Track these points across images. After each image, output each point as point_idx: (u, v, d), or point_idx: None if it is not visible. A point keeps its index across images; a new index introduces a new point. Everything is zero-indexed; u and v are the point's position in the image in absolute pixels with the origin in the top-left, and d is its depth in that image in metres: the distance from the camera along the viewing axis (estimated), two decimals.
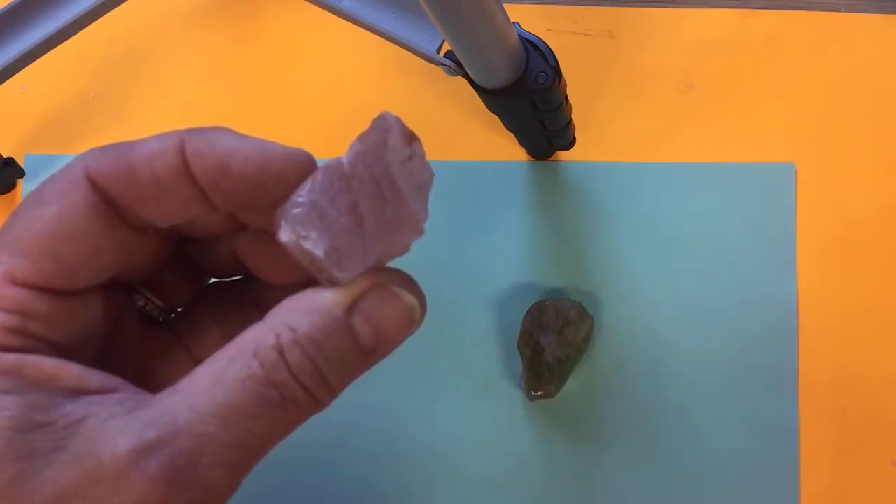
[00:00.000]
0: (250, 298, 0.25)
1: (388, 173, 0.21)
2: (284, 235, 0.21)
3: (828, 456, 0.40)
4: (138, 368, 0.24)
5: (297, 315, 0.20)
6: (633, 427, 0.40)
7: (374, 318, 0.21)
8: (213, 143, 0.21)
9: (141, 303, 0.25)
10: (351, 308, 0.21)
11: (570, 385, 0.40)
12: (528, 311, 0.40)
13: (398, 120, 0.21)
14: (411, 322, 0.22)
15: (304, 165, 0.21)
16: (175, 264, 0.25)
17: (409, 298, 0.22)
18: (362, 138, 0.21)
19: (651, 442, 0.40)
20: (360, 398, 0.41)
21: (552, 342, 0.39)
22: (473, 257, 0.42)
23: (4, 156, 0.41)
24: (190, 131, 0.21)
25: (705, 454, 0.40)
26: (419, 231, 0.22)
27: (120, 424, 0.19)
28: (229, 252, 0.25)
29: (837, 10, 0.45)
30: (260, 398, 0.19)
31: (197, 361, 0.24)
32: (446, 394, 0.41)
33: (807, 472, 0.39)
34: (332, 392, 0.21)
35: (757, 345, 0.41)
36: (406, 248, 0.22)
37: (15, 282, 0.20)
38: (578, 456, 0.40)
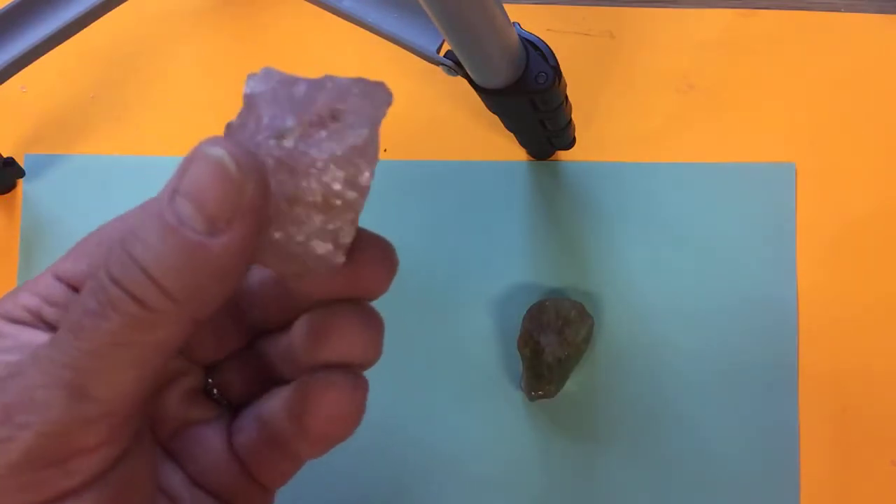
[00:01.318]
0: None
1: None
2: (280, 237, 0.20)
3: (828, 456, 0.40)
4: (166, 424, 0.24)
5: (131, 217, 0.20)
6: (633, 427, 0.40)
7: (189, 188, 0.18)
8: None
9: (208, 386, 0.25)
10: (174, 191, 0.18)
11: (570, 385, 0.40)
12: (528, 311, 0.40)
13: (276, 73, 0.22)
14: (226, 178, 0.18)
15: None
16: (246, 362, 0.25)
17: (214, 151, 0.18)
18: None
19: (651, 442, 0.40)
20: None
21: (552, 342, 0.39)
22: (473, 257, 0.42)
23: (4, 156, 0.41)
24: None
25: (705, 454, 0.40)
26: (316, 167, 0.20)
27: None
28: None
29: (837, 10, 0.45)
30: (83, 309, 0.18)
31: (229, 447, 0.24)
32: (446, 394, 0.41)
33: (807, 471, 0.39)
34: (170, 294, 0.18)
35: (757, 344, 0.41)
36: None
37: (57, 276, 0.22)
38: (578, 456, 0.40)
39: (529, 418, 0.40)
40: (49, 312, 0.21)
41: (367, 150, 0.20)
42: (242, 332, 0.25)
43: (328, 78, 0.21)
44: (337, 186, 0.19)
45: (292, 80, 0.21)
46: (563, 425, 0.40)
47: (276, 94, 0.21)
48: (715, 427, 0.40)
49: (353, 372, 0.22)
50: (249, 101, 0.21)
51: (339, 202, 0.20)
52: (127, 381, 0.18)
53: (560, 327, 0.39)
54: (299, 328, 0.23)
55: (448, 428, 0.40)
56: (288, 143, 0.20)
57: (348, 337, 0.22)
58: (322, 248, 0.20)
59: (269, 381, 0.24)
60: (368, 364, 0.23)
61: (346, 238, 0.20)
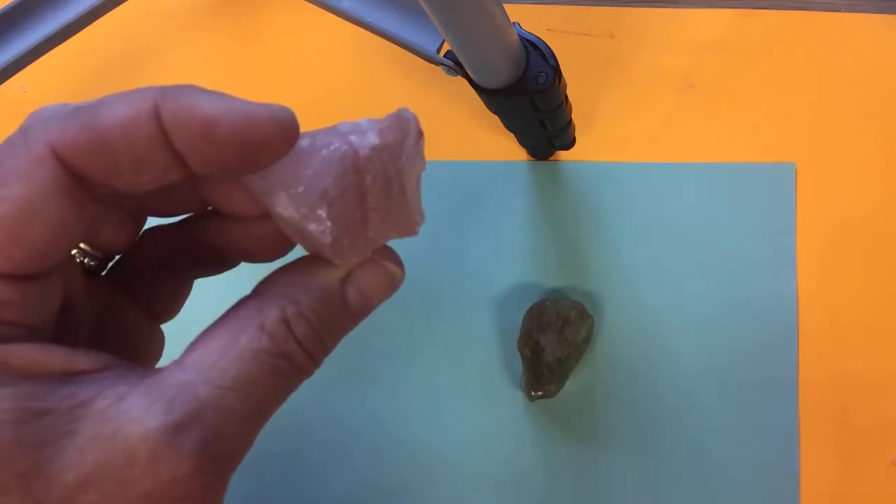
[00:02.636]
0: (201, 236, 0.24)
1: (399, 174, 0.22)
2: (285, 209, 0.21)
3: (828, 456, 0.40)
4: (93, 329, 0.24)
5: (299, 290, 0.22)
6: (633, 427, 0.40)
7: (365, 288, 0.23)
8: (191, 108, 0.19)
9: (79, 258, 0.24)
10: (346, 280, 0.23)
11: (570, 385, 0.40)
12: (528, 311, 0.40)
13: (416, 119, 0.22)
14: (394, 288, 0.24)
15: (289, 128, 0.20)
16: (112, 209, 0.23)
17: (393, 268, 0.24)
18: (382, 133, 0.21)
19: (651, 441, 0.40)
20: (360, 398, 0.41)
21: (552, 342, 0.39)
22: (473, 257, 0.42)
23: None
24: (162, 92, 0.19)
25: (705, 453, 0.40)
26: (414, 232, 0.24)
27: (139, 404, 0.19)
28: (187, 194, 0.24)
29: (837, 10, 0.45)
30: (273, 368, 0.21)
31: (150, 312, 0.25)
32: (446, 393, 0.41)
33: (807, 472, 0.39)
34: (328, 352, 0.23)
35: (757, 344, 0.41)
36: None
37: None
38: (578, 455, 0.40)
39: (529, 418, 0.40)
40: (12, 315, 0.20)
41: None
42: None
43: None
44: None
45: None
46: (563, 425, 0.40)
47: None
48: (715, 427, 0.40)
49: None
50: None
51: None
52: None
53: (560, 327, 0.39)
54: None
55: (448, 428, 0.40)
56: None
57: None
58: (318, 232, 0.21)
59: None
60: None
61: (346, 250, 0.22)
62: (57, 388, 0.19)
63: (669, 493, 0.39)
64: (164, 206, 0.24)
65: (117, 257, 0.25)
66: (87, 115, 0.19)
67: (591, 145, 0.43)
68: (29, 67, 0.37)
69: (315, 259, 0.23)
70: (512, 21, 0.31)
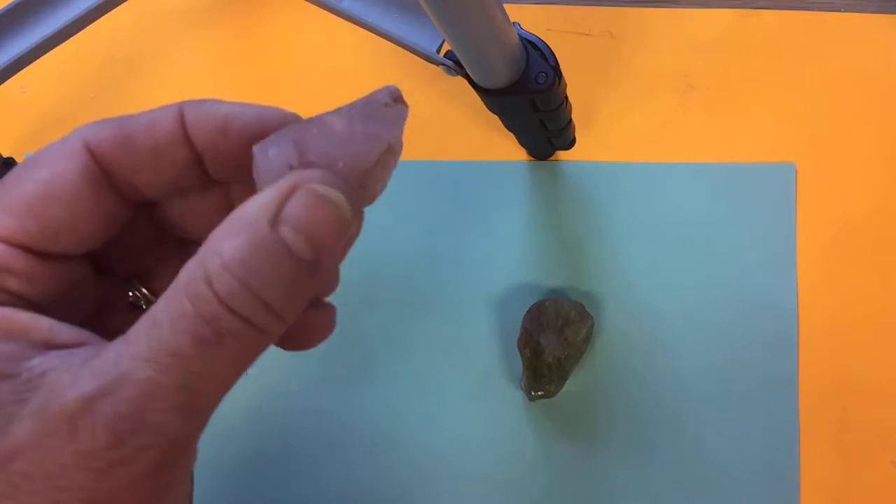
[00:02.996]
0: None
1: (359, 107, 0.21)
2: (255, 149, 0.21)
3: (828, 456, 0.40)
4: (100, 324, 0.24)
5: (223, 238, 0.19)
6: (633, 426, 0.40)
7: (303, 223, 0.19)
8: (211, 109, 0.21)
9: (131, 295, 0.25)
10: (276, 218, 0.19)
11: (570, 385, 0.40)
12: (528, 311, 0.40)
13: (395, 87, 0.22)
14: (342, 219, 0.20)
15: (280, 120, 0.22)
16: (145, 230, 0.25)
17: (332, 193, 0.20)
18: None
19: (651, 442, 0.40)
20: (360, 398, 0.41)
21: (552, 342, 0.38)
22: (473, 257, 0.42)
23: (4, 156, 0.41)
24: (188, 101, 0.22)
25: (705, 453, 0.40)
26: (337, 139, 0.21)
27: (72, 376, 0.19)
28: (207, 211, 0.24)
29: (837, 10, 0.45)
30: (193, 337, 0.18)
31: None
32: (446, 394, 0.41)
33: (807, 472, 0.39)
34: (280, 316, 0.19)
35: (757, 344, 0.41)
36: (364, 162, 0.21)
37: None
38: (578, 456, 0.40)
39: (529, 418, 0.40)
40: (14, 284, 0.21)
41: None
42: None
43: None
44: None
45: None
46: (563, 425, 0.40)
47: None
48: (715, 427, 0.40)
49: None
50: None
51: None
52: (230, 386, 0.20)
53: (560, 327, 0.39)
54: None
55: (448, 428, 0.40)
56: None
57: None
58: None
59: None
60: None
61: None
62: (32, 356, 0.19)
63: (669, 492, 0.39)
64: (187, 226, 0.25)
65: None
66: (122, 119, 0.22)
67: (591, 145, 0.43)
68: (29, 67, 0.37)
69: (245, 204, 0.19)
70: (512, 21, 0.31)
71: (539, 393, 0.39)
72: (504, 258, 0.42)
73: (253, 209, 0.19)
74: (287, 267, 0.19)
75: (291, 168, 0.20)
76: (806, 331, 0.41)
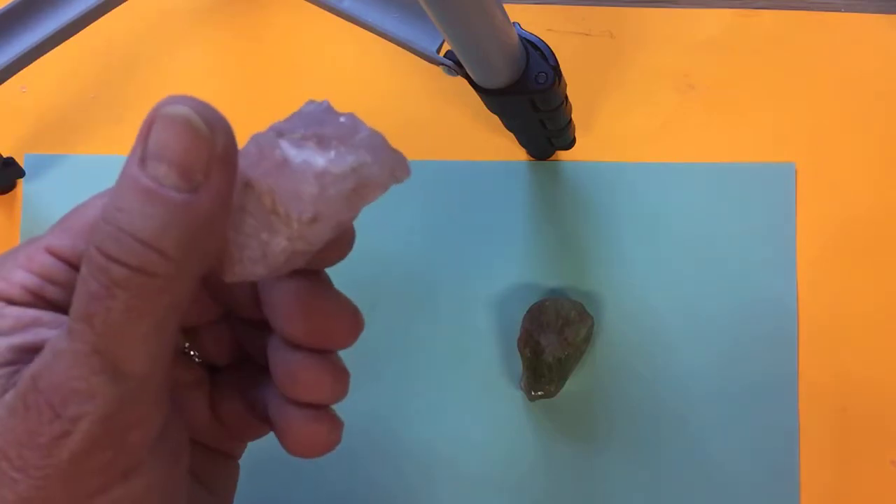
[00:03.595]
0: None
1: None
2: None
3: (828, 456, 0.40)
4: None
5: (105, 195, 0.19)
6: (633, 427, 0.40)
7: (161, 152, 0.18)
8: None
9: (184, 346, 0.26)
10: (144, 157, 0.18)
11: (570, 385, 0.40)
12: (528, 311, 0.40)
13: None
14: (195, 132, 0.19)
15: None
16: (223, 324, 0.26)
17: (177, 110, 0.19)
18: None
19: (651, 442, 0.40)
20: (359, 398, 0.41)
21: (552, 342, 0.38)
22: (473, 257, 0.42)
23: (4, 156, 0.41)
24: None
25: (705, 453, 0.40)
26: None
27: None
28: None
29: (837, 10, 0.45)
30: (88, 296, 0.18)
31: (212, 411, 0.26)
32: (446, 393, 0.41)
33: (807, 472, 0.39)
34: (165, 253, 0.18)
35: (757, 344, 0.41)
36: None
37: (49, 250, 0.22)
38: (578, 456, 0.40)
39: (529, 418, 0.40)
40: (52, 292, 0.22)
41: (327, 194, 0.19)
42: (218, 304, 0.26)
43: (359, 123, 0.21)
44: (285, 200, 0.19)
45: (330, 111, 0.21)
46: (563, 425, 0.40)
47: (310, 114, 0.21)
48: (714, 426, 0.40)
49: (325, 412, 0.24)
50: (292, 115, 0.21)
51: (280, 215, 0.20)
52: (153, 348, 0.19)
53: (560, 327, 0.39)
54: (272, 360, 0.24)
55: (448, 428, 0.40)
56: (281, 139, 0.20)
57: (315, 387, 0.24)
58: (252, 250, 0.20)
59: (244, 351, 0.26)
60: (337, 401, 0.24)
61: (275, 257, 0.20)
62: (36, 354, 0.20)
63: (669, 492, 0.39)
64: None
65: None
66: None
67: (591, 145, 0.43)
68: (29, 67, 0.37)
69: None
70: (512, 21, 0.31)
71: (539, 393, 0.39)
72: (504, 258, 0.42)
73: (129, 158, 0.19)
74: (158, 199, 0.18)
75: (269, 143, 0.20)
76: (806, 330, 0.41)
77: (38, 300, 0.21)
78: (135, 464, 0.20)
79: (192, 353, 0.26)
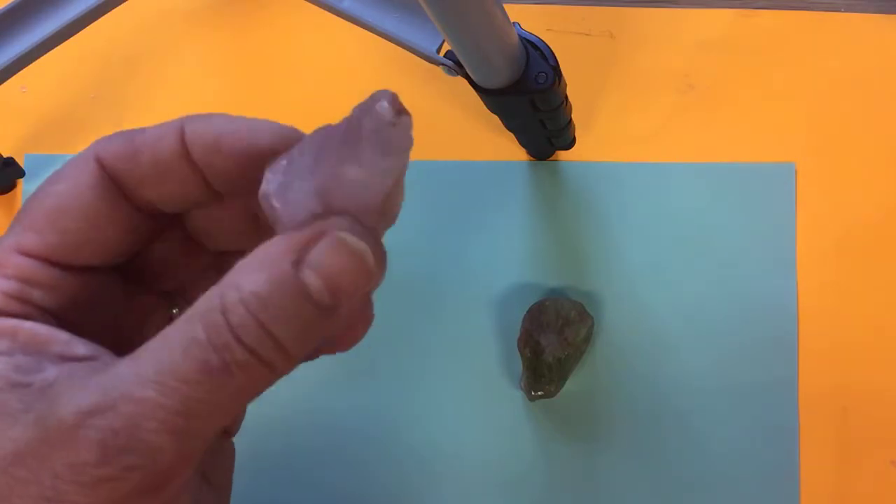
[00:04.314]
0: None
1: (359, 124, 0.20)
2: (261, 187, 0.21)
3: (828, 456, 0.40)
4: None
5: (245, 272, 0.19)
6: (633, 427, 0.40)
7: (324, 268, 0.19)
8: (205, 126, 0.22)
9: (176, 312, 0.26)
10: (299, 261, 0.19)
11: (570, 385, 0.40)
12: (528, 311, 0.40)
13: (391, 92, 0.21)
14: (365, 269, 0.20)
15: (293, 139, 0.22)
16: (178, 244, 0.25)
17: (358, 244, 0.20)
18: (357, 106, 0.21)
19: (651, 442, 0.40)
20: (360, 398, 0.41)
21: (552, 342, 0.39)
22: (473, 257, 0.42)
23: (4, 156, 0.41)
24: (190, 116, 0.22)
25: (705, 454, 0.40)
26: (359, 180, 0.20)
27: (75, 389, 0.19)
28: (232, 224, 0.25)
29: (837, 10, 0.45)
30: (200, 363, 0.19)
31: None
32: (446, 393, 0.41)
33: (807, 472, 0.39)
34: (289, 354, 0.19)
35: (757, 344, 0.41)
36: (371, 201, 0.21)
37: (21, 251, 0.21)
38: (578, 456, 0.40)
39: (529, 418, 0.40)
40: (38, 296, 0.21)
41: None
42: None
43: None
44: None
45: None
46: (563, 425, 0.40)
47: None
48: (715, 427, 0.40)
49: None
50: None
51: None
52: (228, 419, 0.20)
53: (560, 327, 0.39)
54: None
55: (448, 428, 0.40)
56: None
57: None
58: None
59: None
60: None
61: None
62: (46, 368, 0.20)
63: (669, 492, 0.39)
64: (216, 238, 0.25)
65: None
66: (131, 132, 0.23)
67: (591, 145, 0.43)
68: (29, 67, 0.37)
69: (269, 243, 0.20)
70: (512, 21, 0.31)
71: (539, 393, 0.39)
72: (504, 258, 0.42)
73: (278, 249, 0.19)
74: (303, 308, 0.19)
75: (315, 216, 0.20)
76: (806, 330, 0.41)
77: (25, 306, 0.21)
78: None
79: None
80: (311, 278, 0.19)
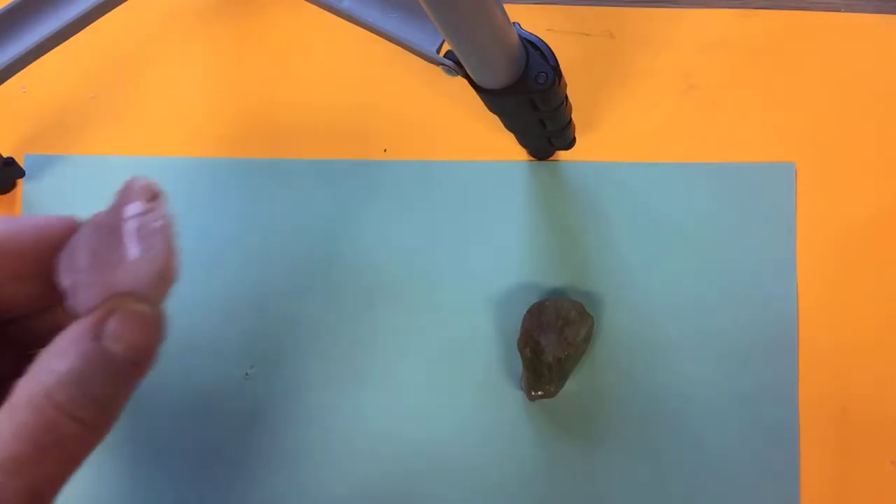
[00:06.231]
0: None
1: (118, 216, 0.24)
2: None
3: (828, 456, 0.40)
4: None
5: (55, 358, 0.22)
6: (633, 427, 0.40)
7: (119, 332, 0.23)
8: None
9: None
10: (97, 336, 0.22)
11: (570, 385, 0.40)
12: (528, 311, 0.40)
13: (142, 181, 0.25)
14: (152, 325, 0.23)
15: (63, 228, 0.25)
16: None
17: (141, 308, 0.23)
18: (116, 194, 0.25)
19: (651, 442, 0.40)
20: (360, 398, 0.41)
21: (552, 342, 0.39)
22: (473, 257, 0.42)
23: (4, 156, 0.41)
24: None
25: (705, 453, 0.40)
26: (130, 268, 0.24)
27: None
28: (50, 326, 0.27)
29: (837, 10, 0.45)
30: (36, 445, 0.21)
31: None
32: (446, 393, 0.41)
33: (807, 472, 0.39)
34: (112, 414, 0.22)
35: (757, 344, 0.41)
36: (160, 278, 0.24)
37: None
38: (578, 456, 0.40)
39: (529, 418, 0.40)
40: None
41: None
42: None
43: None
44: None
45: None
46: (563, 425, 0.40)
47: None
48: (714, 427, 0.40)
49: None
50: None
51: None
52: (68, 479, 0.22)
53: (560, 327, 0.39)
54: None
55: (448, 428, 0.40)
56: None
57: None
58: None
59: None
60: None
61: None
62: None
63: (669, 492, 0.39)
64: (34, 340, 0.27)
65: None
66: None
67: (591, 145, 0.43)
68: (29, 67, 0.37)
69: (68, 330, 0.23)
70: (512, 21, 0.31)
71: (539, 393, 0.39)
72: (504, 258, 0.42)
73: (77, 331, 0.22)
74: (114, 368, 0.22)
75: (103, 300, 0.23)
76: (806, 330, 0.41)
77: None
78: None
79: None
80: (111, 343, 0.22)
